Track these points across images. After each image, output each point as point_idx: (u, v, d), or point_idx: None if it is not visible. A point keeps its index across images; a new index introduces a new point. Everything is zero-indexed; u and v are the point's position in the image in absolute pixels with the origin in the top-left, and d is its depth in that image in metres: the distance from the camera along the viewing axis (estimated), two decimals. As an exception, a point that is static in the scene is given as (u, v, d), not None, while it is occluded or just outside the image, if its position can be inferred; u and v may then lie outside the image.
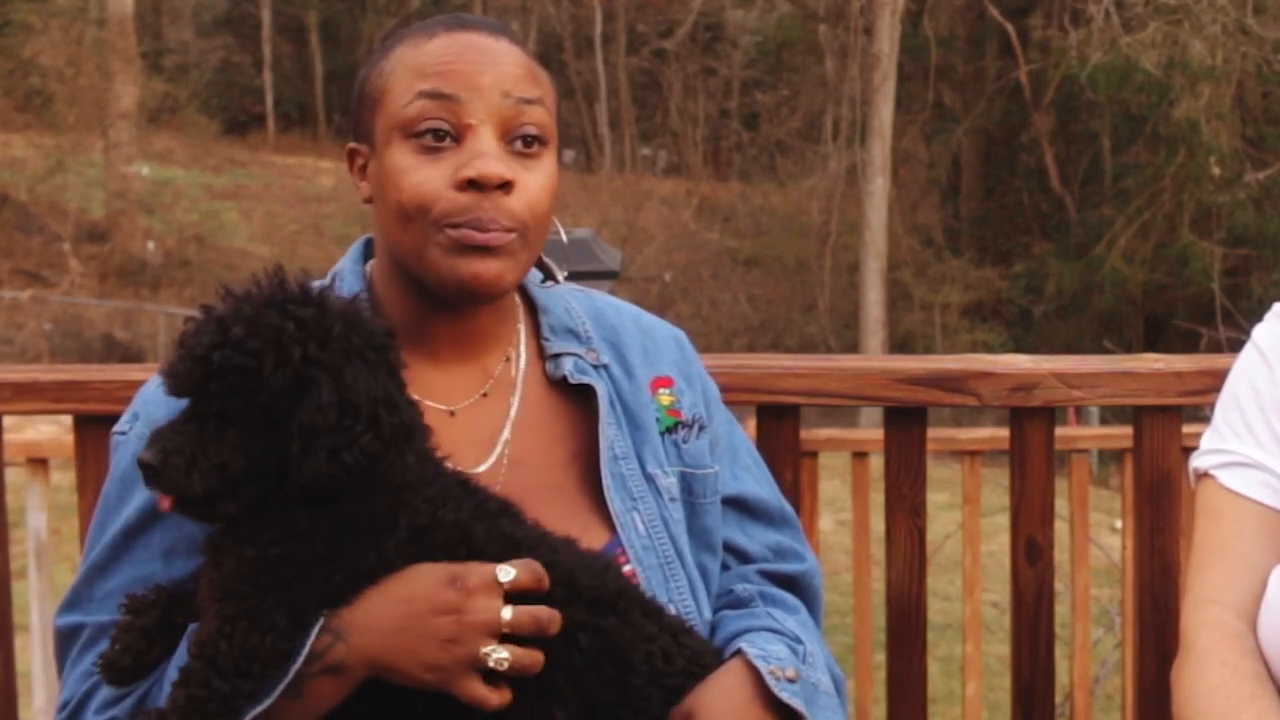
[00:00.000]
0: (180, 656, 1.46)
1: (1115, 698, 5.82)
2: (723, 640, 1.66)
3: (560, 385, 1.72)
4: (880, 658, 2.48)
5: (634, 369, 1.75)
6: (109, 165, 24.52)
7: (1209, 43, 20.20)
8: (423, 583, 1.43)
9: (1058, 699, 2.80)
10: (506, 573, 1.43)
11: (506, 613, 1.42)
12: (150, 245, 24.53)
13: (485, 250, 1.57)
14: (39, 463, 4.13)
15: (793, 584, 1.78)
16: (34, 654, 4.08)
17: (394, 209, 1.59)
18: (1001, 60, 25.40)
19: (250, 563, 1.40)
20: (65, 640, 1.60)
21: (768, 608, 1.71)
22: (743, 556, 1.78)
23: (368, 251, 1.76)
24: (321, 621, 1.41)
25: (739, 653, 1.58)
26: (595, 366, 1.74)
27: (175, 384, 1.42)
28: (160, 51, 32.82)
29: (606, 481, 1.66)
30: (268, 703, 1.39)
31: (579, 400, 1.72)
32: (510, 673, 1.42)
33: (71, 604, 1.61)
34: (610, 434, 1.69)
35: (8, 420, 2.29)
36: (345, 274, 1.69)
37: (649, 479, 1.69)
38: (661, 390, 1.76)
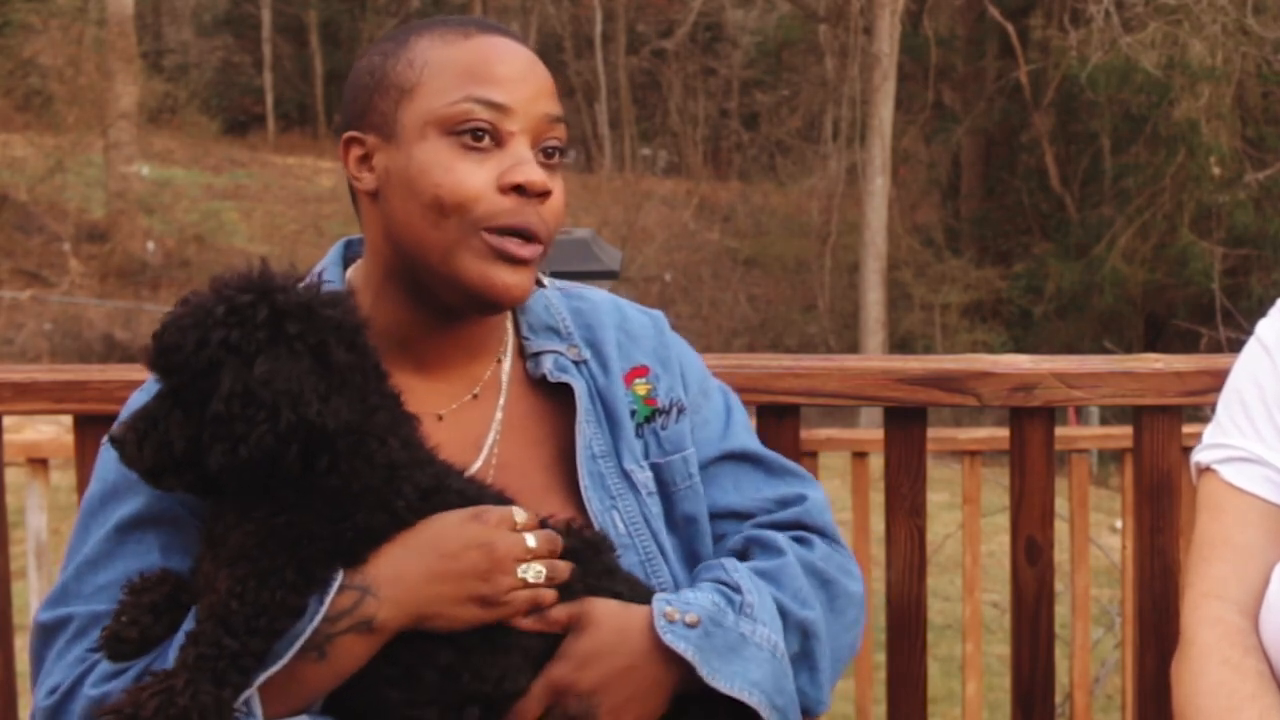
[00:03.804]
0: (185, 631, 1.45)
1: (1115, 698, 5.82)
2: None
3: (542, 384, 1.71)
4: (880, 658, 2.47)
5: (610, 363, 1.75)
6: (109, 165, 24.50)
7: (1209, 43, 20.19)
8: (444, 525, 1.47)
9: (1058, 699, 2.80)
10: (520, 513, 1.50)
11: (530, 539, 1.49)
12: (150, 245, 24.52)
13: (520, 263, 1.58)
14: (39, 463, 4.14)
15: (797, 527, 1.76)
16: (34, 654, 4.07)
17: (428, 201, 1.57)
18: (1001, 60, 25.38)
19: (255, 533, 1.41)
20: (50, 632, 1.56)
21: (726, 559, 1.70)
22: (742, 518, 1.76)
23: (348, 255, 1.74)
24: (340, 579, 1.42)
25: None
26: (576, 363, 1.73)
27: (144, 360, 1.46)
28: (160, 51, 32.82)
29: (584, 481, 1.66)
30: (282, 663, 1.40)
31: (561, 399, 1.71)
32: (544, 583, 1.49)
33: (59, 600, 1.57)
34: (588, 432, 1.69)
35: (8, 420, 2.29)
36: (326, 277, 1.67)
37: (626, 475, 1.69)
38: (637, 380, 1.75)
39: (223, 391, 1.39)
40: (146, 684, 1.38)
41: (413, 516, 1.47)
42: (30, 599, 4.06)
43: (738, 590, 1.62)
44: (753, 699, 1.55)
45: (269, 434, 1.38)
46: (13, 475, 3.24)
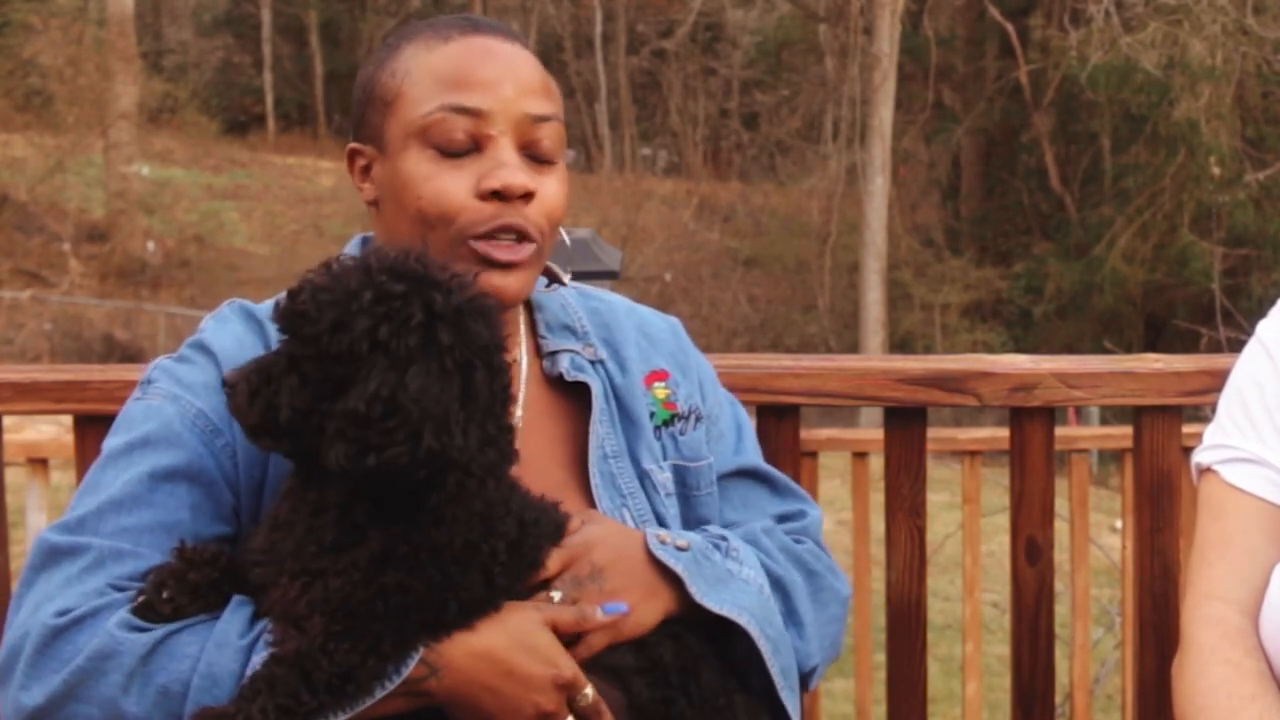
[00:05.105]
0: (225, 632, 1.43)
1: (1115, 698, 5.82)
2: None
3: (558, 383, 1.72)
4: (880, 658, 2.47)
5: (629, 364, 1.76)
6: (109, 165, 24.53)
7: (1209, 43, 20.20)
8: (530, 658, 1.46)
9: (1058, 699, 2.80)
10: (586, 696, 1.49)
11: (589, 692, 1.49)
12: (150, 245, 24.54)
13: (506, 267, 1.58)
14: (39, 463, 4.13)
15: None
16: (34, 654, 4.07)
17: (412, 215, 1.58)
18: (1001, 60, 25.40)
19: (359, 585, 1.37)
20: (60, 555, 1.51)
21: (709, 525, 1.74)
22: None
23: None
24: (421, 654, 1.42)
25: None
26: (592, 362, 1.74)
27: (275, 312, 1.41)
28: (160, 51, 32.84)
29: (595, 480, 1.67)
30: (342, 717, 1.40)
31: (579, 398, 1.72)
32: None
33: (75, 529, 1.52)
34: (601, 432, 1.70)
35: (8, 420, 2.28)
36: None
37: (643, 475, 1.70)
38: (657, 384, 1.77)
39: (368, 392, 1.31)
40: None
41: (504, 579, 1.45)
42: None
43: (724, 539, 1.68)
44: (742, 618, 1.58)
45: (405, 454, 1.32)
46: (13, 475, 3.23)
